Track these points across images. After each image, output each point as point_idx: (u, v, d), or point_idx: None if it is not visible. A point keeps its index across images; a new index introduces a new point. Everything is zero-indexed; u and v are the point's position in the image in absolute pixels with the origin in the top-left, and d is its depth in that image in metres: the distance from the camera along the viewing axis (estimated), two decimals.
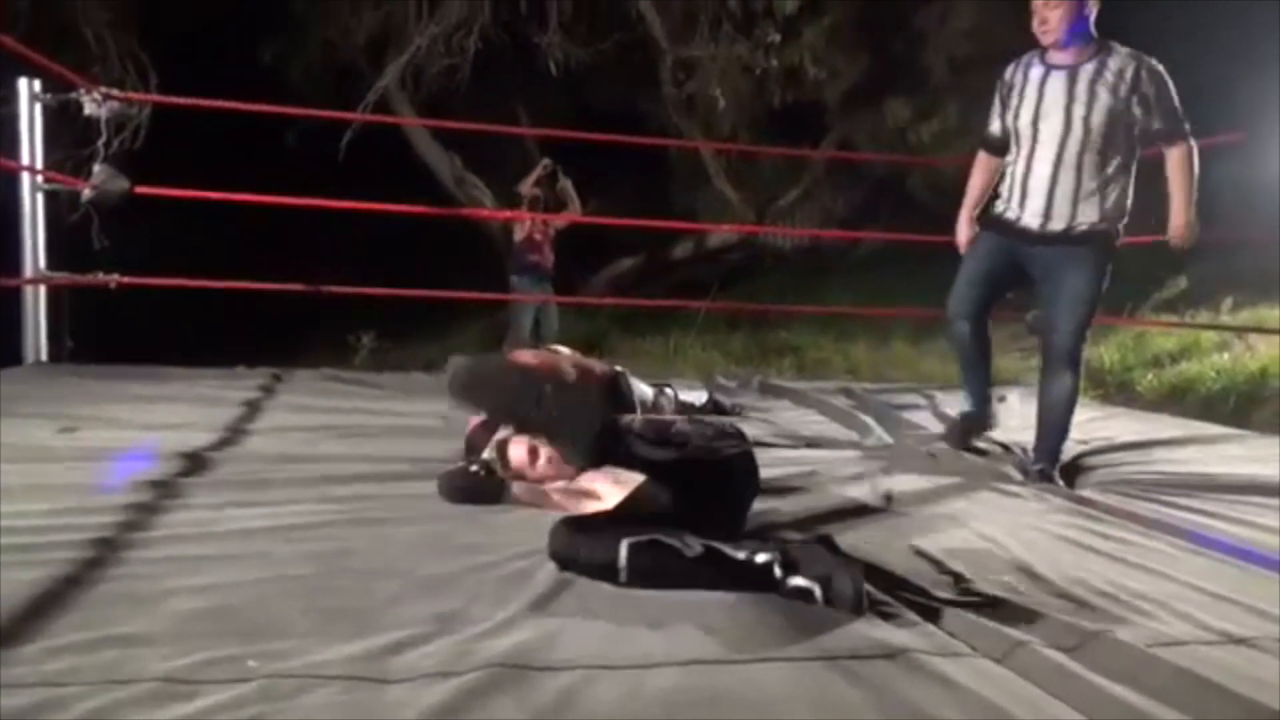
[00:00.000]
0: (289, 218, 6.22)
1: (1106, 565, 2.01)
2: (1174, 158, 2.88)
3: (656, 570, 1.70)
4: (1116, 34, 2.86)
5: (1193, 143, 2.87)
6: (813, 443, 3.34)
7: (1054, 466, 2.91)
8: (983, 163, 3.14)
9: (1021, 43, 2.96)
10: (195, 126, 6.91)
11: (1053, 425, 2.95)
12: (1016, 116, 2.92)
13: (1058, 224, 2.88)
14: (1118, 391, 5.61)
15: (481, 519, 2.14)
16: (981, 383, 3.20)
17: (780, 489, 2.49)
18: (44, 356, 4.25)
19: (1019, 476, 2.88)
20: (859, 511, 2.39)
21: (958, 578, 1.87)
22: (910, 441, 3.37)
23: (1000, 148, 3.06)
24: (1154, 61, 2.80)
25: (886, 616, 1.62)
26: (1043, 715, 1.29)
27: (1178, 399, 5.20)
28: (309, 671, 1.31)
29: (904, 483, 2.71)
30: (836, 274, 10.52)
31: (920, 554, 2.02)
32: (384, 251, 8.29)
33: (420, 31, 7.08)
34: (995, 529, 2.24)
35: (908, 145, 7.57)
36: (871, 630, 1.55)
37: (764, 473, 2.24)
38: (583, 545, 1.76)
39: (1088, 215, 2.87)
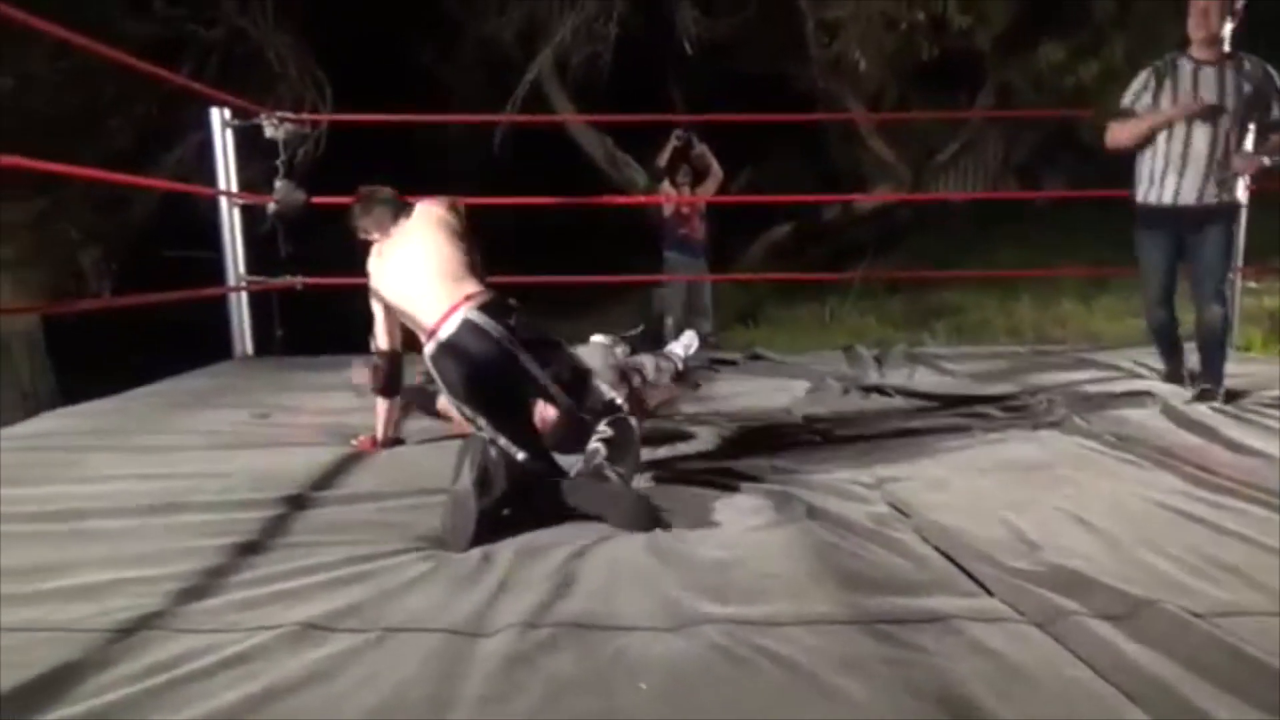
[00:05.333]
0: None
1: (1200, 533, 2.00)
2: None
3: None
4: None
5: None
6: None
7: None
8: (1121, 125, 3.54)
9: None
10: (367, 132, 7.55)
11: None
12: (1175, 101, 3.38)
13: (1210, 196, 3.37)
14: None
15: None
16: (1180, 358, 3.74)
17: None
18: (250, 350, 4.87)
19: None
20: (951, 476, 2.45)
21: (1033, 546, 1.93)
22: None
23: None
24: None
25: (943, 585, 1.73)
26: (1061, 678, 1.38)
27: None
28: (420, 624, 1.58)
29: (1014, 451, 2.74)
30: (1006, 227, 10.08)
31: (1004, 523, 2.08)
32: (545, 233, 8.70)
33: (563, 22, 7.38)
34: (1094, 498, 2.25)
35: (1066, 89, 7.16)
36: (919, 597, 1.66)
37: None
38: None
39: (1230, 188, 3.38)
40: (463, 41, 8.16)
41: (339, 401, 3.54)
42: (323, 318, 6.77)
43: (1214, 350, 3.48)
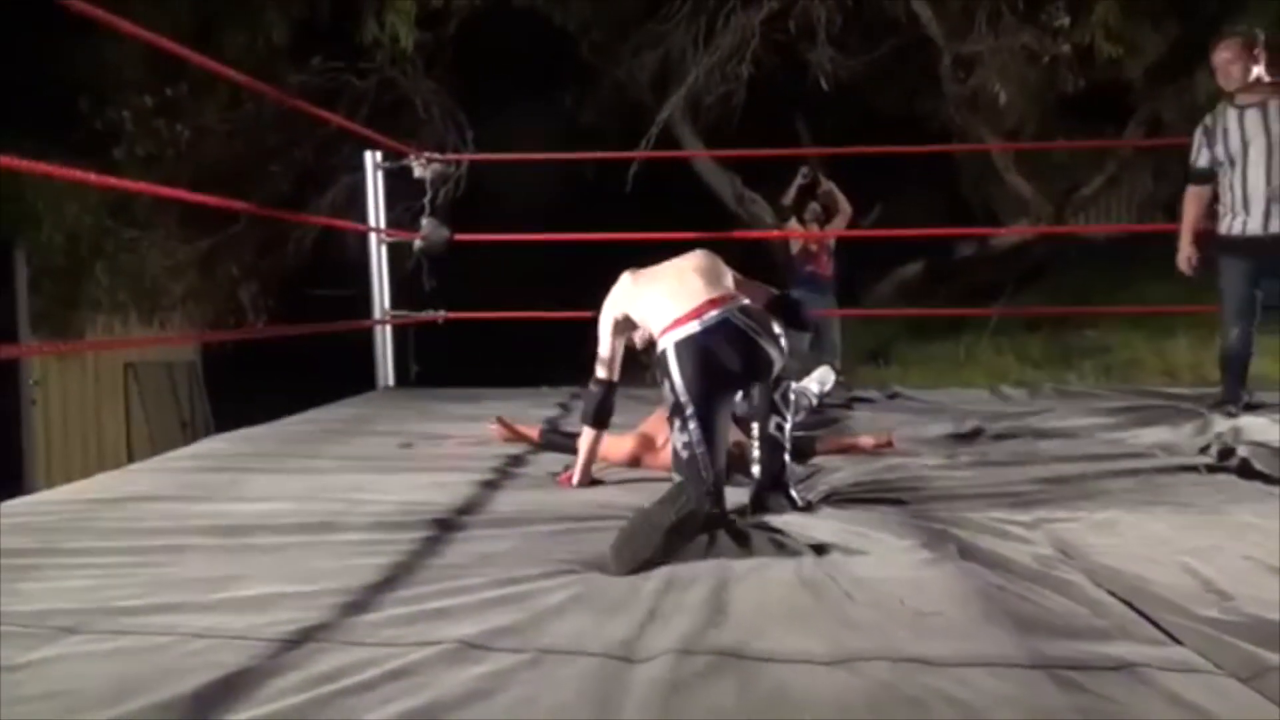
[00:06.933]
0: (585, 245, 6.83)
1: None
2: None
3: None
4: None
5: None
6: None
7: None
8: (1194, 194, 3.86)
9: None
10: (509, 171, 7.86)
11: None
12: (1226, 147, 3.66)
13: (1275, 225, 3.58)
14: None
15: None
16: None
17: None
18: (392, 382, 5.06)
19: None
20: (1119, 519, 2.29)
21: (1224, 596, 1.77)
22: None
23: (1207, 178, 3.80)
24: None
25: (1126, 632, 1.60)
26: None
27: None
28: (574, 647, 1.57)
29: (1188, 494, 2.55)
30: (1155, 263, 9.53)
31: (1186, 569, 1.93)
32: None
33: (696, 64, 7.47)
34: None
35: None
36: (1101, 643, 1.54)
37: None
38: None
39: None
40: (600, 87, 8.37)
41: (478, 432, 3.62)
42: (453, 352, 7.02)
43: None
